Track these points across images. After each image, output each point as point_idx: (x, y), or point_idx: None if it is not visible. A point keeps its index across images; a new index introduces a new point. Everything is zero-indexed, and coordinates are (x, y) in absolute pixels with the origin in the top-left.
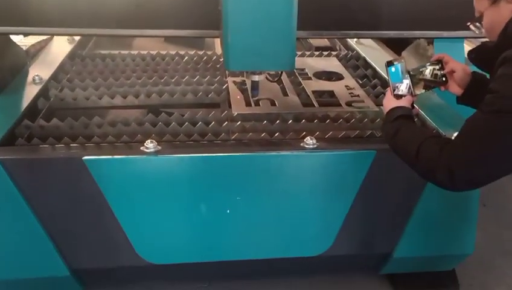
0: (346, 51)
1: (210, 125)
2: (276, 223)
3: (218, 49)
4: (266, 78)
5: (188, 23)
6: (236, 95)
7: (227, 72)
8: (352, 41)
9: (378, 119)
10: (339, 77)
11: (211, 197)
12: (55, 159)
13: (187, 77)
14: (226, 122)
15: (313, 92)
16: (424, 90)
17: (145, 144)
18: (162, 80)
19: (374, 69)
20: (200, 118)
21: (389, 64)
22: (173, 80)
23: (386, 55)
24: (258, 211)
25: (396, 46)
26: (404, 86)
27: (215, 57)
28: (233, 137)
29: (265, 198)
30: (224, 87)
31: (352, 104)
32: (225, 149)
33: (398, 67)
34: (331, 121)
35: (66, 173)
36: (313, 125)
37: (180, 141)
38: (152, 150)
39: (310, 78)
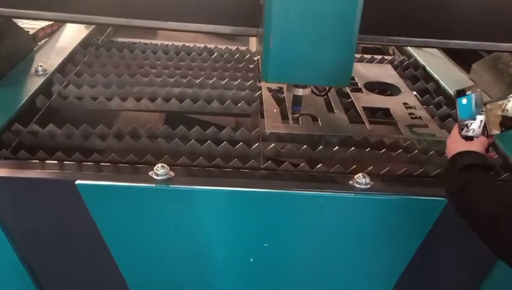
0: (401, 57)
1: (237, 146)
2: (309, 280)
3: (253, 46)
4: (312, 91)
5: (221, 18)
6: (271, 108)
7: (261, 75)
8: None
9: None
10: (395, 90)
11: (232, 242)
12: (41, 181)
13: (214, 78)
14: (257, 144)
15: (364, 108)
16: (503, 130)
17: (154, 168)
18: (185, 81)
19: (437, 82)
20: (226, 135)
21: (460, 94)
22: (198, 82)
23: (450, 64)
24: (288, 263)
25: (462, 55)
26: (476, 125)
27: (248, 54)
28: (264, 165)
29: (298, 248)
30: (257, 94)
31: (414, 130)
32: (253, 183)
33: (471, 98)
34: (387, 151)
35: (53, 198)
36: (364, 155)
37: (198, 165)
38: (163, 177)
39: (360, 90)
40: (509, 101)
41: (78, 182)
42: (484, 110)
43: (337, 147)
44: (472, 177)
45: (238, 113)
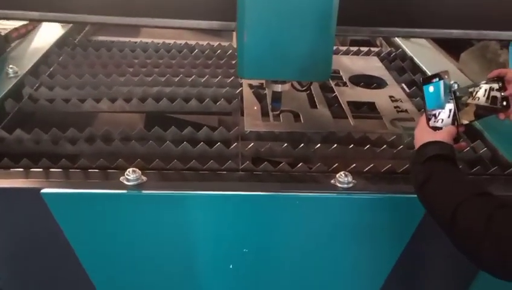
0: (388, 48)
1: (214, 147)
2: (293, 284)
3: (235, 41)
4: (292, 86)
5: (199, 12)
6: (251, 105)
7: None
8: None
9: None
10: (380, 83)
11: (210, 248)
12: (4, 190)
13: (194, 76)
14: (236, 143)
15: (348, 103)
16: (474, 119)
17: (125, 173)
18: (163, 79)
19: (425, 74)
20: (203, 135)
21: (426, 81)
22: (176, 80)
23: (439, 55)
24: (268, 269)
25: (452, 44)
26: (445, 114)
27: (230, 50)
28: (242, 166)
29: (279, 252)
30: (237, 91)
31: (399, 124)
32: (230, 185)
33: (438, 86)
34: (371, 147)
35: (18, 209)
36: (347, 151)
37: (173, 169)
38: (134, 182)
39: (345, 84)
40: (480, 88)
41: (43, 190)
42: (453, 98)
43: (319, 145)
44: (434, 170)
45: (217, 111)
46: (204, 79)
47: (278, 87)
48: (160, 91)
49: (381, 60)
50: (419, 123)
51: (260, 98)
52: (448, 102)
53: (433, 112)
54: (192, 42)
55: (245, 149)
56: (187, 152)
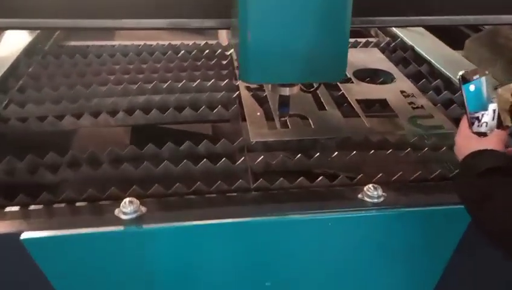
0: (386, 38)
1: (219, 163)
2: None
3: (223, 39)
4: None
5: (183, 10)
6: (253, 111)
7: (236, 72)
8: None
9: None
10: (387, 76)
11: (227, 284)
12: None
13: (184, 81)
14: (243, 158)
15: (358, 101)
16: None
17: (121, 205)
18: (150, 86)
19: (430, 64)
20: (204, 149)
21: (466, 79)
22: (165, 86)
23: (440, 42)
24: None
25: (449, 32)
26: (489, 116)
27: (219, 49)
28: (255, 185)
29: (306, 282)
30: (235, 95)
31: (418, 122)
32: (245, 210)
33: (480, 84)
34: (393, 150)
35: None
36: (367, 158)
37: (175, 194)
38: (132, 215)
39: (349, 80)
40: None
41: (23, 236)
42: (496, 97)
43: (336, 153)
44: (496, 187)
45: (215, 119)
46: (196, 83)
47: (286, 91)
48: (149, 100)
49: (382, 51)
50: (460, 129)
51: (261, 101)
52: (491, 102)
53: (476, 115)
54: (177, 42)
55: (254, 163)
56: (189, 171)
